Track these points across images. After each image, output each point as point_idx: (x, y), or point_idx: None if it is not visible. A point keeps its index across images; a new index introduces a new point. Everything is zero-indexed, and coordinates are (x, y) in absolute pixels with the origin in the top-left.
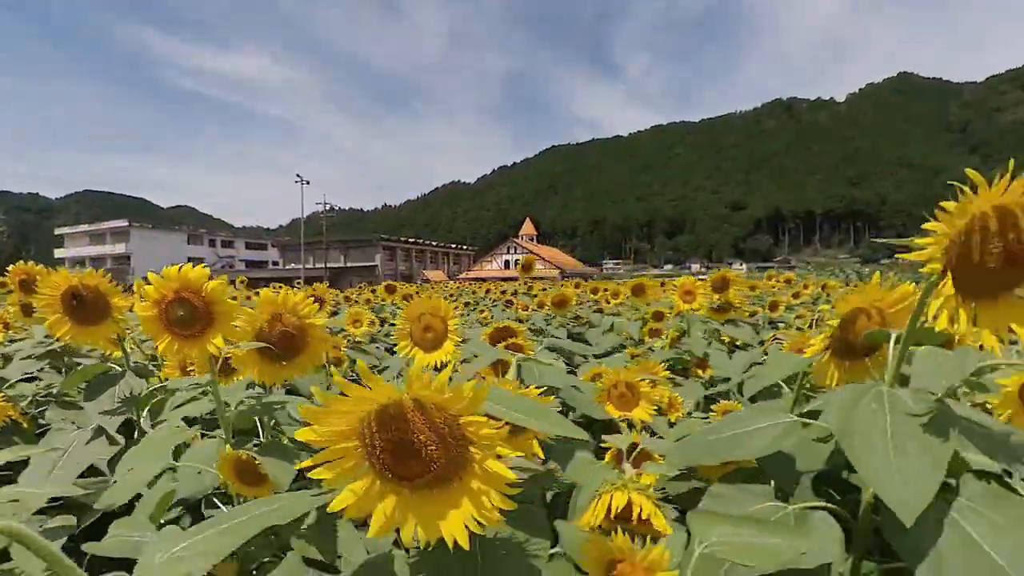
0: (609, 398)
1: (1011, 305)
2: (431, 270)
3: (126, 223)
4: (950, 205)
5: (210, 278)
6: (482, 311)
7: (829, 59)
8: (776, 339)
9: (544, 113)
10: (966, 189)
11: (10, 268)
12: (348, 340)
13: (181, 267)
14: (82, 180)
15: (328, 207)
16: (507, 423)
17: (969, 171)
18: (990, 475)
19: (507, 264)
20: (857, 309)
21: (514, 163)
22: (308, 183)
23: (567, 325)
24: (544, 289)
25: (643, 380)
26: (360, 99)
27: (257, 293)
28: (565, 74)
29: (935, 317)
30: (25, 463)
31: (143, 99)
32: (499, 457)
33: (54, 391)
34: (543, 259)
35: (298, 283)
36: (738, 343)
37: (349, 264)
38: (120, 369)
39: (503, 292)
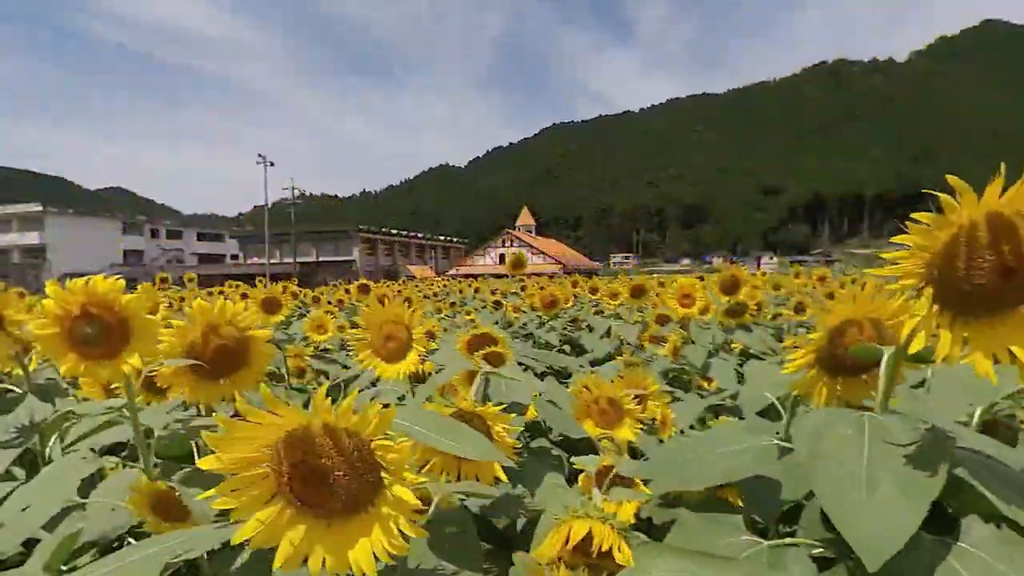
0: (589, 414)
1: (1010, 325)
2: (417, 265)
3: (39, 207)
4: (927, 217)
5: (129, 290)
6: (468, 313)
7: (887, 11)
8: (793, 347)
9: (544, 85)
10: (947, 198)
11: None
12: (314, 348)
13: (89, 280)
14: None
15: (297, 193)
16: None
17: (950, 178)
18: (1006, 519)
19: (502, 259)
20: (846, 321)
21: (510, 144)
22: (273, 164)
23: (566, 329)
24: (542, 288)
25: (628, 395)
26: (332, 63)
27: (211, 293)
28: (567, 36)
29: (909, 340)
30: None
31: (60, 54)
32: (405, 482)
33: None
34: (543, 253)
35: (262, 281)
36: (752, 351)
37: (322, 259)
38: (19, 391)
39: (493, 292)
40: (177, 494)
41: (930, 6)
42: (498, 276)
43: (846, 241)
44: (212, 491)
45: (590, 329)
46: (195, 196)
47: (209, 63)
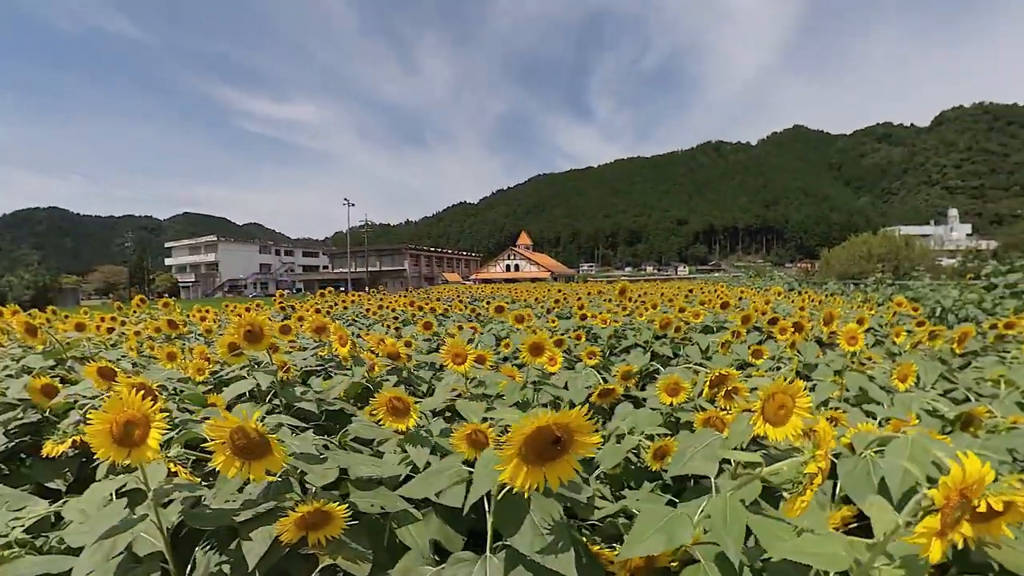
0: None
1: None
2: (448, 272)
3: (215, 238)
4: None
5: (264, 292)
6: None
7: (746, 111)
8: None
9: (532, 146)
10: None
11: (234, 319)
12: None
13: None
14: (181, 203)
15: (367, 223)
16: None
17: None
18: None
19: (508, 268)
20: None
21: (508, 187)
22: (354, 205)
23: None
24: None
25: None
26: (384, 134)
27: (318, 292)
28: (549, 115)
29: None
30: None
31: (222, 139)
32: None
33: None
34: (537, 264)
35: (341, 288)
36: None
37: (383, 268)
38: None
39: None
40: None
41: (768, 111)
42: (506, 281)
43: (728, 257)
44: (502, 465)
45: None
46: (299, 226)
47: (305, 139)
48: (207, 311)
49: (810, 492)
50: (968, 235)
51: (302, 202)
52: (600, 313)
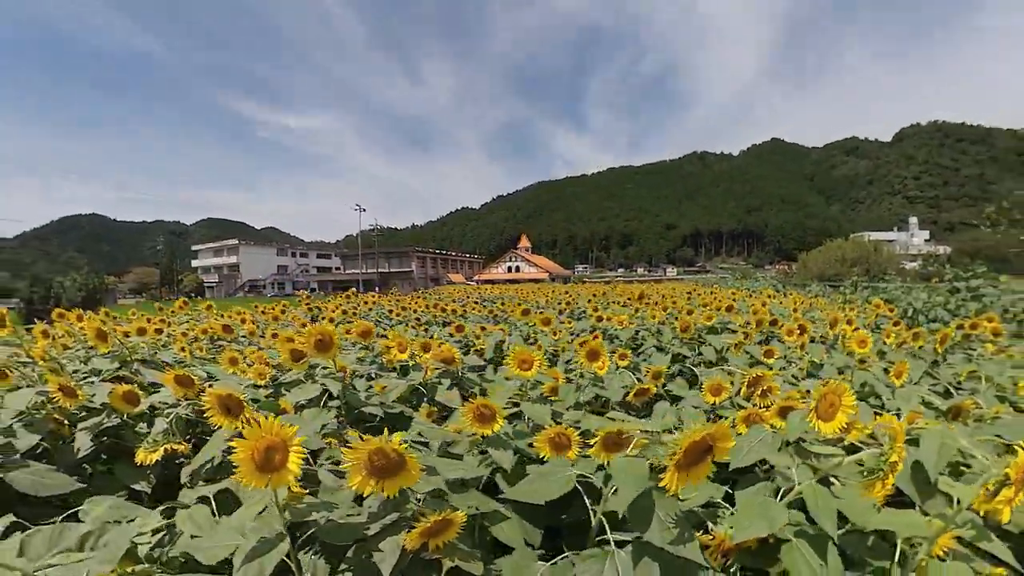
0: None
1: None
2: (453, 273)
3: (237, 241)
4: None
5: (281, 293)
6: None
7: (728, 124)
8: None
9: (531, 153)
10: None
11: (305, 331)
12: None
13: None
14: (204, 209)
15: (377, 227)
16: None
17: None
18: None
19: (509, 269)
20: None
21: (508, 193)
22: (365, 210)
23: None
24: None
25: None
26: (390, 141)
27: (333, 291)
28: (547, 125)
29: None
30: None
31: (241, 148)
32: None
33: None
34: (536, 265)
35: (352, 289)
36: None
37: (392, 270)
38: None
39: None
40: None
41: (748, 124)
42: (508, 282)
43: (713, 259)
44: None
45: None
46: (312, 229)
47: (318, 147)
48: (243, 312)
49: (892, 478)
50: (926, 240)
51: (314, 206)
52: (616, 315)
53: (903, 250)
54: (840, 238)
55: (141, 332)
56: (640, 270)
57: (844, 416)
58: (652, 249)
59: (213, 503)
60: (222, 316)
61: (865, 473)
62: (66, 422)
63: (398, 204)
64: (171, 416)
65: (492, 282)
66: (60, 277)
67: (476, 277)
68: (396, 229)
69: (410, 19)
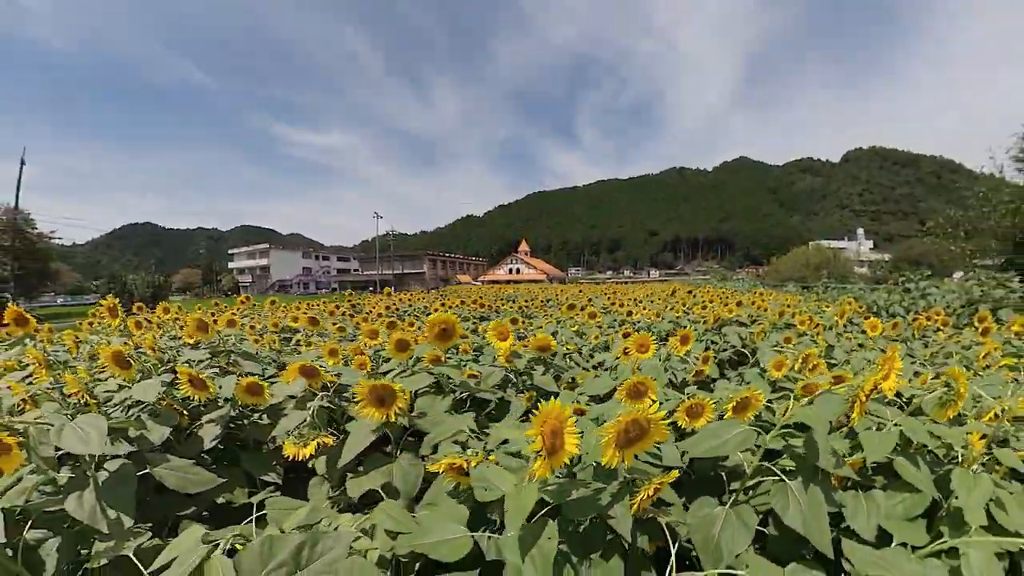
0: None
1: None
2: (461, 274)
3: (268, 246)
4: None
5: (307, 291)
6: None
7: (703, 142)
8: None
9: (529, 168)
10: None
11: (428, 320)
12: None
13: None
14: (238, 217)
15: (391, 232)
16: None
17: None
18: None
19: (510, 271)
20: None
21: (509, 203)
22: (382, 218)
23: None
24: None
25: None
26: (402, 156)
27: (353, 291)
28: (543, 141)
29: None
30: None
31: (270, 163)
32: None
33: None
34: (535, 268)
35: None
36: None
37: (406, 271)
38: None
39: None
40: None
41: (720, 143)
42: (509, 282)
43: (691, 262)
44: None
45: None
46: (331, 234)
47: (338, 160)
48: (302, 305)
49: (958, 406)
50: (871, 249)
51: (334, 214)
52: (647, 309)
53: (855, 257)
54: (802, 246)
55: (231, 324)
56: (627, 272)
57: (895, 379)
58: (637, 253)
59: (382, 493)
60: (287, 310)
61: (937, 405)
62: (185, 413)
63: (409, 212)
64: (312, 407)
65: (496, 282)
66: (132, 275)
67: (482, 278)
68: (406, 235)
69: (422, 49)
